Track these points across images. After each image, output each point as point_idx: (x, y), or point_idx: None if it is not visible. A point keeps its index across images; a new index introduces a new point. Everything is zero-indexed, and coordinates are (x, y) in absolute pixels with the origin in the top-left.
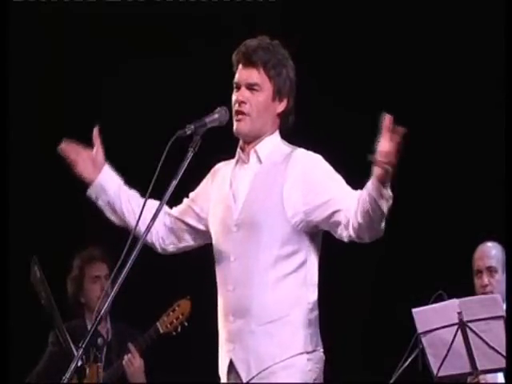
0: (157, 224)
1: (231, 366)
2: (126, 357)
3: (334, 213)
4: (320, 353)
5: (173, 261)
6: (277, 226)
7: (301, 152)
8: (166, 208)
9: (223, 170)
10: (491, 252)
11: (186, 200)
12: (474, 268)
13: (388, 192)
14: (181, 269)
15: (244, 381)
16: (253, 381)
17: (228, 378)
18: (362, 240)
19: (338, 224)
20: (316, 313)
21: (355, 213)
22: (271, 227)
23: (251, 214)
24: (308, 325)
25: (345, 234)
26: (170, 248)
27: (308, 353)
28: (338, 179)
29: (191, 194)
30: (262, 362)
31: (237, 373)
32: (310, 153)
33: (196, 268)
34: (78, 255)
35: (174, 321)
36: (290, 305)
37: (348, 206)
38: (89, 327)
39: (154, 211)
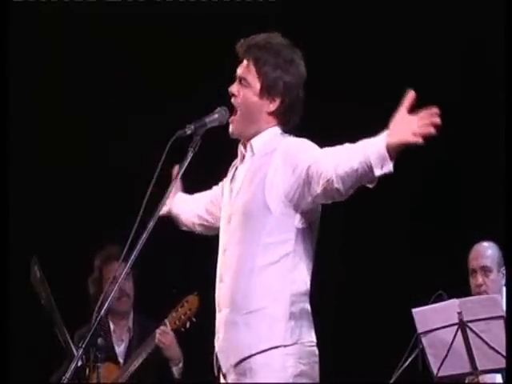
0: (192, 210)
1: (217, 357)
2: (158, 330)
3: (307, 175)
4: (304, 347)
5: (181, 257)
6: (260, 217)
7: (286, 140)
8: (202, 200)
9: (235, 165)
10: (486, 252)
11: (213, 195)
12: (468, 268)
13: (390, 167)
14: (189, 264)
15: (224, 372)
16: (229, 373)
17: (216, 369)
18: (333, 190)
19: (310, 181)
20: (301, 305)
21: (340, 165)
22: (254, 218)
23: (239, 206)
24: (289, 317)
25: (319, 187)
26: (198, 229)
27: (286, 346)
28: (312, 147)
29: (215, 190)
30: (238, 353)
31: (219, 364)
32: (294, 138)
33: (204, 263)
34: (97, 255)
35: (182, 317)
36: (270, 296)
37: (323, 165)
38: (112, 326)
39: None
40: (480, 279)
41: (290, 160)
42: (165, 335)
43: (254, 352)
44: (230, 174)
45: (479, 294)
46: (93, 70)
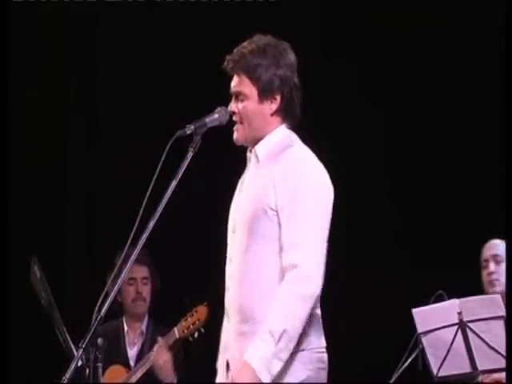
0: None
1: (228, 367)
2: (154, 347)
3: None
4: (312, 353)
5: (196, 265)
6: (261, 225)
7: (292, 153)
8: None
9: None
10: (499, 244)
11: None
12: (481, 262)
13: None
14: (204, 273)
15: None
16: None
17: (226, 377)
18: None
19: None
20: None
21: None
22: (256, 226)
23: (243, 215)
24: None
25: None
26: None
27: (293, 353)
28: (303, 217)
29: None
30: None
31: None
32: (300, 157)
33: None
34: (117, 254)
35: (191, 326)
36: None
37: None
38: (125, 328)
39: None
40: (492, 267)
41: (286, 200)
42: (159, 355)
43: None
44: (239, 183)
45: (491, 282)
46: (93, 70)
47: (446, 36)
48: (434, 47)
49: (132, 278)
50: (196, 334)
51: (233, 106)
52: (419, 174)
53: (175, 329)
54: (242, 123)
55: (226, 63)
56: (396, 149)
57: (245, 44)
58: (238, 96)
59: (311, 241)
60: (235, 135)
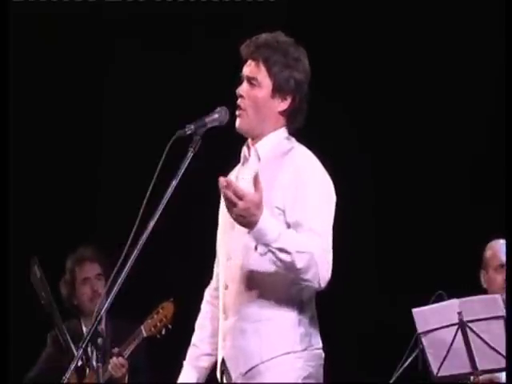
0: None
1: (224, 364)
2: (111, 360)
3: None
4: (313, 351)
5: (159, 262)
6: None
7: (298, 153)
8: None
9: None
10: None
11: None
12: (491, 263)
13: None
14: (167, 270)
15: (233, 379)
16: (238, 379)
17: (221, 376)
18: None
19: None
20: (309, 313)
21: None
22: None
23: None
24: (298, 324)
25: None
26: None
27: (296, 352)
28: (317, 209)
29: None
30: (249, 361)
31: (228, 371)
32: (307, 156)
33: (182, 269)
34: (69, 257)
35: (158, 324)
36: (279, 303)
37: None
38: (84, 329)
39: None
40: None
41: (297, 196)
42: (117, 369)
43: (264, 359)
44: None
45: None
46: (93, 70)
47: (444, 37)
48: (427, 53)
49: (86, 278)
50: (163, 331)
51: (244, 88)
52: (422, 173)
53: (142, 327)
54: (246, 110)
55: (245, 46)
56: (391, 147)
57: (268, 35)
58: (251, 81)
59: (325, 232)
60: (238, 122)
